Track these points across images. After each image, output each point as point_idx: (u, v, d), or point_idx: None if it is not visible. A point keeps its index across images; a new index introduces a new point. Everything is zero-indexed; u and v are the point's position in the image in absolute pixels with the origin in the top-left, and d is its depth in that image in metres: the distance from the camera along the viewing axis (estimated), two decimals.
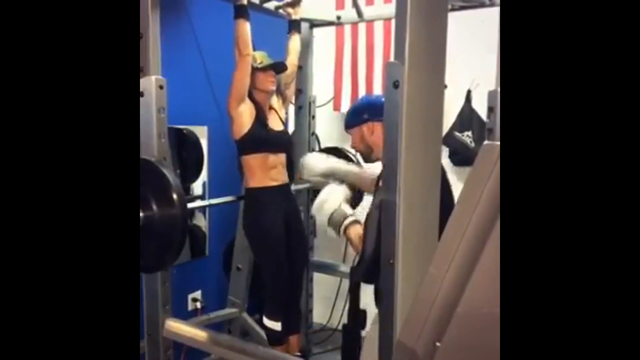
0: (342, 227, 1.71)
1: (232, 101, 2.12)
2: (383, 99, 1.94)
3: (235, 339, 2.25)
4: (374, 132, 1.83)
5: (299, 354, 2.42)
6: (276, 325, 2.29)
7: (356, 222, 1.71)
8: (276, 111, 2.32)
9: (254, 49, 2.11)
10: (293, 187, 2.44)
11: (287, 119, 2.45)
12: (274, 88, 2.25)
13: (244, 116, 2.15)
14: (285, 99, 2.42)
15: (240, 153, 2.22)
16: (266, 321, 2.31)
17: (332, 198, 1.78)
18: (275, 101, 2.33)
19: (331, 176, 2.05)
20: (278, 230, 2.24)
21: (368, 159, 1.93)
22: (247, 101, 2.16)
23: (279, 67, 2.25)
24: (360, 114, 1.88)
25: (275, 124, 2.27)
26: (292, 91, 2.45)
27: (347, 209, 1.77)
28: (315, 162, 2.11)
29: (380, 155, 1.76)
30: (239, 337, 2.61)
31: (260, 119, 2.19)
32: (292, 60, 2.37)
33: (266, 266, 2.29)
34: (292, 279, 2.36)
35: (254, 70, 2.15)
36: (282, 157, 2.28)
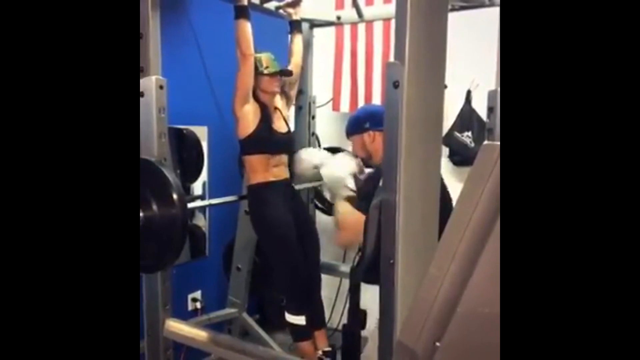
0: (337, 199, 1.81)
1: (237, 101, 2.12)
2: (383, 108, 2.01)
3: (235, 339, 2.25)
4: (375, 140, 1.90)
5: (328, 349, 2.39)
6: (300, 320, 2.26)
7: (350, 198, 1.75)
8: (280, 112, 2.32)
9: (256, 51, 2.11)
10: (294, 186, 2.44)
11: (288, 118, 2.45)
12: (278, 90, 2.26)
13: (249, 116, 2.15)
14: (289, 99, 2.42)
15: (244, 152, 2.23)
16: (289, 317, 2.28)
17: (343, 167, 1.86)
18: (279, 101, 2.34)
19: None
20: (288, 221, 2.23)
21: (367, 164, 2.00)
22: (252, 101, 2.16)
23: (286, 74, 2.26)
24: (362, 123, 1.95)
25: (280, 125, 2.28)
26: (295, 91, 2.46)
27: (351, 183, 1.85)
28: (308, 156, 2.21)
29: (379, 161, 1.80)
30: (239, 337, 2.60)
31: (266, 120, 2.19)
32: (296, 61, 2.37)
33: (280, 259, 2.28)
34: (309, 272, 2.34)
35: (260, 74, 2.16)
36: (284, 157, 2.30)
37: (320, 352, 2.35)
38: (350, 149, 2.86)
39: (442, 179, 1.90)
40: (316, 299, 2.42)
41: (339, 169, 1.87)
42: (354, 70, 2.97)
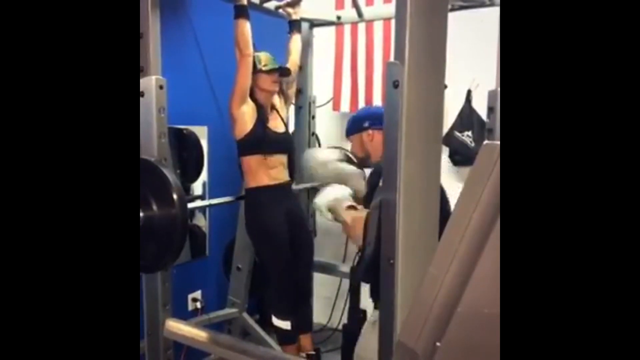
0: (341, 211, 1.76)
1: (234, 101, 2.12)
2: (383, 109, 2.02)
3: (235, 339, 2.24)
4: (373, 139, 1.94)
5: (312, 352, 2.40)
6: (285, 324, 2.27)
7: (353, 207, 1.75)
8: (278, 111, 2.32)
9: (255, 50, 2.11)
10: (293, 187, 2.44)
11: (287, 118, 2.45)
12: (277, 89, 2.26)
13: (246, 116, 2.15)
14: (287, 98, 2.42)
15: (241, 153, 2.23)
16: (275, 320, 2.29)
17: (338, 191, 1.85)
18: (277, 101, 2.33)
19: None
20: (281, 228, 2.23)
21: (365, 164, 2.04)
22: (249, 101, 2.16)
23: (284, 72, 2.26)
24: (361, 122, 1.99)
25: (276, 124, 2.27)
26: (293, 91, 2.45)
27: (349, 200, 1.83)
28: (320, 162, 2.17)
29: (378, 160, 1.81)
30: (239, 337, 2.60)
31: (262, 119, 2.19)
32: (294, 60, 2.37)
33: (271, 265, 2.28)
34: (299, 277, 2.35)
35: (259, 71, 2.16)
36: (282, 158, 2.28)
37: (303, 355, 2.36)
38: (348, 146, 2.87)
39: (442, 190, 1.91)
40: (305, 305, 2.43)
41: (335, 193, 1.87)
42: (354, 70, 2.97)
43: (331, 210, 1.81)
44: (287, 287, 2.27)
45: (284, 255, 2.24)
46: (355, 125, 2.02)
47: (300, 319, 2.35)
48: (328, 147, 2.26)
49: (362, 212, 1.62)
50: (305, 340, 2.41)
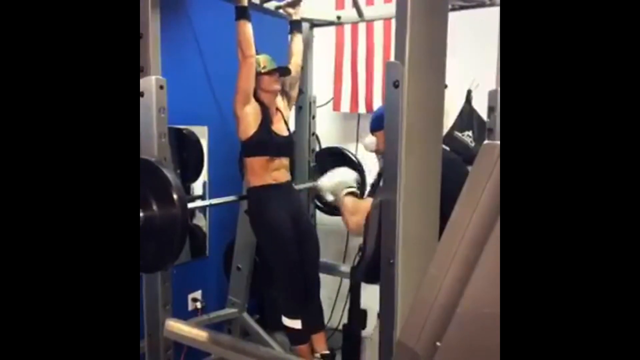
0: (341, 194, 1.76)
1: (238, 102, 2.13)
2: None
3: (235, 339, 2.25)
4: None
5: (327, 352, 2.38)
6: (296, 324, 2.26)
7: (353, 193, 1.74)
8: (282, 113, 2.32)
9: (257, 52, 2.12)
10: (294, 186, 2.44)
11: (289, 119, 2.45)
12: (279, 88, 2.26)
13: (250, 117, 2.15)
14: (290, 99, 2.42)
15: (245, 154, 2.23)
16: (285, 320, 2.28)
17: (345, 174, 1.84)
18: (280, 102, 2.34)
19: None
20: (286, 225, 2.23)
21: None
22: (253, 102, 2.16)
23: (283, 72, 2.26)
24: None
25: (280, 127, 2.28)
26: (296, 92, 2.46)
27: (353, 184, 1.82)
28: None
29: None
30: (239, 337, 2.60)
31: (266, 122, 2.19)
32: (296, 61, 2.38)
33: (278, 262, 2.28)
34: (306, 275, 2.34)
35: (259, 74, 2.16)
36: (285, 160, 2.30)
37: (318, 355, 2.36)
38: (351, 148, 2.87)
39: (460, 161, 1.88)
40: (314, 302, 2.42)
41: (341, 176, 1.86)
42: (354, 70, 2.97)
43: (333, 193, 1.80)
44: (295, 285, 2.26)
45: (291, 251, 2.24)
46: (380, 121, 2.01)
47: (310, 317, 2.33)
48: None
49: (366, 202, 1.61)
50: (319, 339, 2.39)
